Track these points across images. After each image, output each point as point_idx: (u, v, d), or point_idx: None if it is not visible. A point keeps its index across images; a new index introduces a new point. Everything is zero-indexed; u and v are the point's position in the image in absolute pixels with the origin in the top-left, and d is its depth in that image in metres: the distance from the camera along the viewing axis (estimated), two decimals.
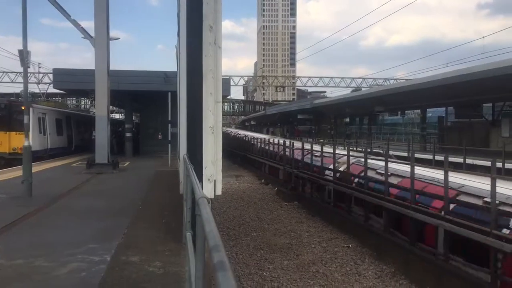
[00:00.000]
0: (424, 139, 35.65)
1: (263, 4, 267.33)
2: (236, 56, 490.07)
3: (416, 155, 12.71)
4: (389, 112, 46.27)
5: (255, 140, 33.78)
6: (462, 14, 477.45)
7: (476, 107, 33.05)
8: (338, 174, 15.79)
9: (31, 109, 22.68)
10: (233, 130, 66.67)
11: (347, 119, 55.79)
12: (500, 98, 27.59)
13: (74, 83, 24.66)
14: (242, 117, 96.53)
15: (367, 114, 45.92)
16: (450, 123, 36.13)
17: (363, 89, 59.03)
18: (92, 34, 17.24)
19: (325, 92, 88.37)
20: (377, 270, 10.41)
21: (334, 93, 70.78)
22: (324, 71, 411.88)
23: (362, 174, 13.80)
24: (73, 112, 36.05)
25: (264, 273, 10.18)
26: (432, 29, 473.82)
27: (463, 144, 21.00)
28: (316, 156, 18.54)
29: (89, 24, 18.04)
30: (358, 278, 9.91)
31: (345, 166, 15.45)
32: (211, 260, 1.54)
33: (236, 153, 38.66)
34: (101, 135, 17.10)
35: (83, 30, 17.73)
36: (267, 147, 28.33)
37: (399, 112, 46.12)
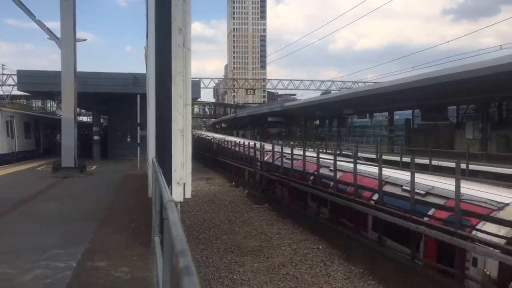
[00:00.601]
0: (391, 141, 36.35)
1: (233, 6, 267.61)
2: (206, 58, 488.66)
3: (384, 157, 13.01)
4: (358, 115, 46.99)
5: (225, 143, 33.71)
6: (427, 19, 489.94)
7: (442, 110, 33.93)
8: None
9: None
10: (204, 133, 66.37)
11: (317, 122, 56.37)
12: (464, 101, 28.40)
13: (39, 84, 24.07)
14: (213, 119, 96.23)
15: (336, 117, 46.48)
16: (416, 126, 36.95)
17: (332, 92, 59.76)
18: (58, 35, 16.85)
19: (295, 94, 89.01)
20: (346, 271, 10.53)
21: (304, 95, 71.42)
22: (294, 74, 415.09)
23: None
24: (41, 115, 35.70)
25: (235, 276, 10.16)
26: (399, 33, 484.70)
27: (429, 146, 21.49)
28: (286, 158, 18.73)
29: (55, 25, 17.67)
30: (327, 280, 10.00)
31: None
32: (177, 264, 1.52)
33: (206, 155, 38.48)
34: (68, 138, 16.71)
35: (49, 31, 17.30)
36: (237, 150, 28.31)
37: (368, 115, 46.93)
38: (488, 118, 26.74)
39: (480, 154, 23.60)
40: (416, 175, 9.86)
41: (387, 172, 11.54)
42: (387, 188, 10.85)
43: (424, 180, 10.42)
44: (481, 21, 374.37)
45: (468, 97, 25.22)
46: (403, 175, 11.27)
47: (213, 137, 43.39)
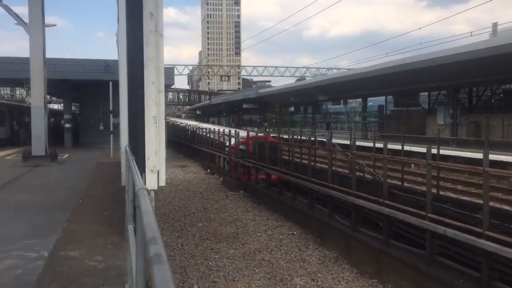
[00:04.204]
0: (365, 127, 36.79)
1: None
2: (181, 44, 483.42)
3: (357, 143, 13.15)
4: (333, 101, 47.34)
5: (200, 130, 33.50)
6: (401, 6, 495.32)
7: (413, 96, 34.49)
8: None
9: None
10: (178, 120, 65.80)
11: (292, 108, 56.57)
12: (436, 88, 28.90)
13: (7, 71, 23.55)
14: (187, 107, 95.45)
15: (311, 103, 46.72)
16: (389, 112, 37.46)
17: (307, 78, 59.97)
18: (26, 20, 16.39)
19: (270, 81, 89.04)
20: (321, 256, 10.67)
21: (278, 82, 71.56)
22: (269, 60, 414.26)
23: None
24: (15, 104, 36.13)
25: (210, 263, 10.18)
26: (373, 20, 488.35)
27: (401, 132, 21.83)
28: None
29: (23, 10, 17.16)
30: (302, 264, 10.12)
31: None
32: (148, 252, 1.51)
33: (181, 143, 38.24)
34: (38, 126, 16.36)
35: (16, 16, 16.82)
36: (212, 137, 28.20)
37: (342, 101, 47.32)
38: (459, 103, 27.31)
39: (450, 139, 24.13)
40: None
41: None
42: None
43: None
44: (453, 8, 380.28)
45: (439, 83, 25.65)
46: None
47: (187, 124, 43.07)
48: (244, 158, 19.71)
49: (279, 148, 18.72)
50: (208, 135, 28.29)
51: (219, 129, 27.21)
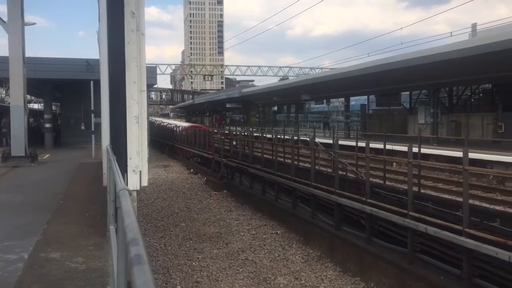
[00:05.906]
0: (348, 127, 37.02)
1: None
2: (163, 44, 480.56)
3: (340, 142, 13.17)
4: (316, 101, 47.49)
5: (182, 130, 33.33)
6: (382, 6, 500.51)
7: (395, 95, 34.84)
8: None
9: None
10: (161, 120, 65.28)
11: (275, 108, 56.63)
12: (416, 87, 29.25)
13: None
14: (170, 106, 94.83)
15: (294, 103, 46.82)
16: (371, 111, 37.76)
17: (290, 78, 60.11)
18: (5, 18, 16.13)
19: (253, 81, 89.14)
20: (304, 255, 10.71)
21: (262, 82, 71.66)
22: (252, 60, 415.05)
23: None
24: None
25: (194, 263, 10.14)
26: (355, 20, 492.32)
27: (383, 131, 22.03)
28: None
29: (2, 8, 16.90)
30: (286, 263, 10.14)
31: None
32: (129, 253, 1.50)
33: (164, 143, 38.01)
34: (17, 126, 16.13)
35: None
36: (194, 136, 28.12)
37: (325, 101, 47.50)
38: (439, 103, 27.66)
39: (431, 138, 24.42)
40: None
41: None
42: None
43: None
44: (434, 9, 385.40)
45: (419, 83, 25.97)
46: None
47: (169, 124, 42.79)
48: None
49: (208, 135, 25.25)
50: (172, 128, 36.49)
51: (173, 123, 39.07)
